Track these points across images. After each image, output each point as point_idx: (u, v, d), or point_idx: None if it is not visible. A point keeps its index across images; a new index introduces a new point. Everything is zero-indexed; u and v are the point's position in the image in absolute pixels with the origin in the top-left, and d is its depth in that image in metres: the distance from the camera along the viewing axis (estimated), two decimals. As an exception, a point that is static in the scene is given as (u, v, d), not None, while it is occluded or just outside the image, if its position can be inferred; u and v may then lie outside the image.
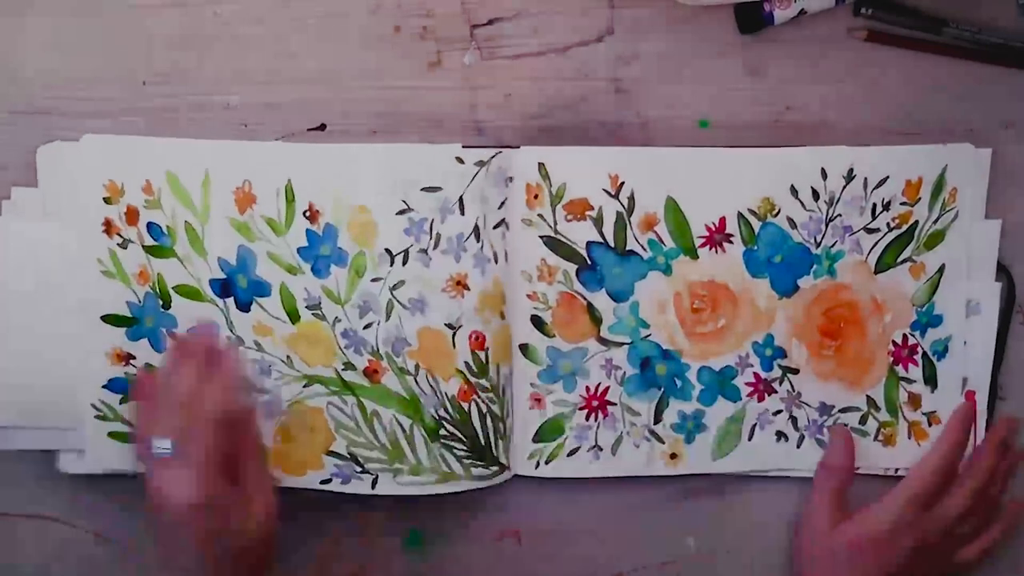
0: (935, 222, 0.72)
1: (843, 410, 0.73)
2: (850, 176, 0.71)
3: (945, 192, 0.71)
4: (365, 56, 0.71)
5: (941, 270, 0.72)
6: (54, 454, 0.72)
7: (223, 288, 0.71)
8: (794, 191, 0.71)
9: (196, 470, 0.62)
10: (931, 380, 0.73)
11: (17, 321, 0.70)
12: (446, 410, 0.71)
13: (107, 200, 0.70)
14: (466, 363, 0.71)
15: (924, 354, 0.73)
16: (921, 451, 0.73)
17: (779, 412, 0.73)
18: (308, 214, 0.70)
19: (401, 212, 0.70)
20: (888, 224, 0.72)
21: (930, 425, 0.73)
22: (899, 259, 0.72)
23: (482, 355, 0.71)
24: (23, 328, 0.70)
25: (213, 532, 0.62)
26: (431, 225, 0.70)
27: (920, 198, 0.71)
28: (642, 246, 0.71)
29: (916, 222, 0.72)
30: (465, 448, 0.71)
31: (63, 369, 0.71)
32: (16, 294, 0.70)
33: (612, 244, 0.71)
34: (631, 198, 0.70)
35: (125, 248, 0.70)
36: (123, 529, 0.75)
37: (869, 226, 0.72)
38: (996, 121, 0.72)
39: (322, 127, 0.72)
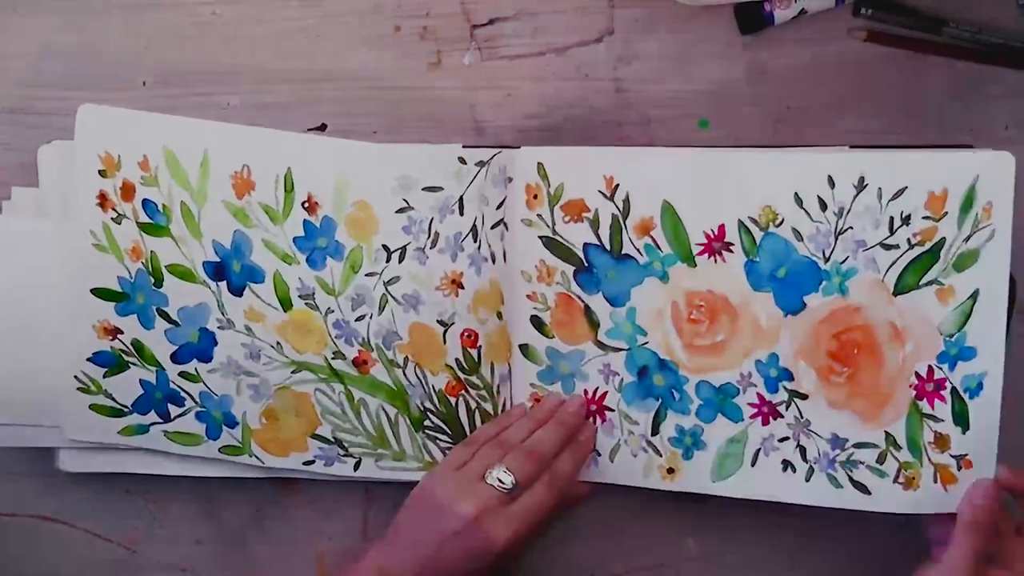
0: (966, 240, 0.64)
1: (857, 445, 0.67)
2: (861, 185, 0.65)
3: (977, 207, 0.64)
4: (365, 56, 0.72)
5: (975, 296, 0.64)
6: (54, 453, 0.72)
7: (216, 271, 0.71)
8: (799, 200, 0.66)
9: (523, 521, 0.65)
10: (962, 420, 0.65)
11: (16, 321, 0.70)
12: (432, 403, 0.71)
13: (103, 173, 0.70)
14: (456, 360, 0.71)
15: (954, 390, 0.66)
16: (948, 496, 0.66)
17: (785, 439, 0.69)
18: (307, 205, 0.70)
19: (401, 210, 0.70)
20: (909, 240, 0.65)
21: (960, 469, 0.66)
22: (923, 280, 0.65)
23: (474, 353, 0.71)
24: (22, 328, 0.70)
25: (468, 560, 0.64)
26: (430, 224, 0.70)
27: (947, 212, 0.64)
28: (638, 250, 0.69)
29: (943, 239, 0.64)
30: (449, 439, 0.72)
31: (61, 367, 0.71)
32: (15, 295, 0.70)
33: (608, 247, 0.69)
34: (626, 201, 0.68)
35: (119, 223, 0.70)
36: (123, 529, 0.75)
37: (886, 241, 0.65)
38: (996, 121, 0.72)
39: (322, 127, 0.72)
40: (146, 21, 0.71)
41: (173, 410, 0.72)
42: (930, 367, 0.66)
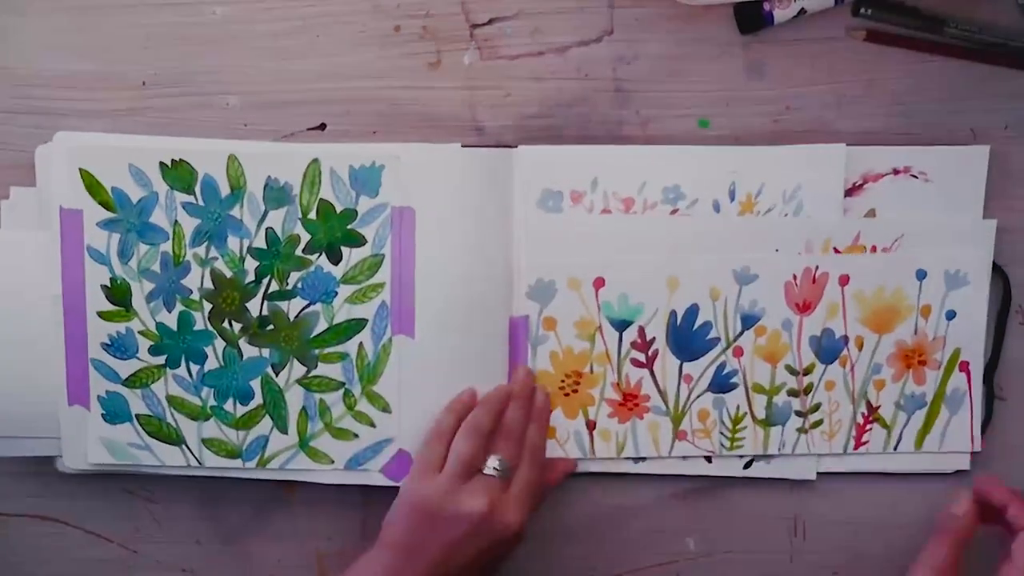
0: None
1: None
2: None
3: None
4: (365, 56, 0.71)
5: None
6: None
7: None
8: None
9: (527, 501, 0.68)
10: None
11: (14, 333, 0.70)
12: None
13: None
14: None
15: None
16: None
17: None
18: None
19: None
20: None
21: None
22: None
23: None
24: (20, 338, 0.70)
25: (484, 553, 0.66)
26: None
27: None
28: None
29: None
30: None
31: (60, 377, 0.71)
32: (12, 304, 0.70)
33: None
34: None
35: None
36: (123, 529, 0.75)
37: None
38: (996, 121, 0.72)
39: (322, 127, 0.72)
40: (146, 21, 0.71)
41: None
42: None
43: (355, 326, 0.71)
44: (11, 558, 0.75)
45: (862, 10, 0.71)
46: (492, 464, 0.67)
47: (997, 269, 0.73)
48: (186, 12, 0.71)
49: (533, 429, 0.71)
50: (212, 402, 0.71)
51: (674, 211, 0.71)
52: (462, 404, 0.71)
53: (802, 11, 0.70)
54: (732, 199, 0.71)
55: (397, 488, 0.70)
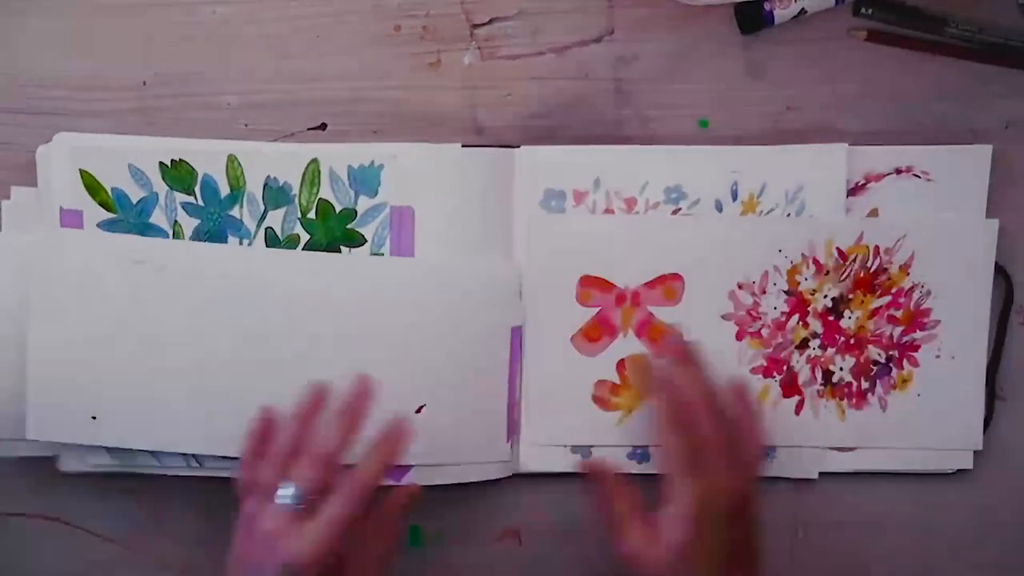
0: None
1: None
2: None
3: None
4: (365, 56, 0.71)
5: None
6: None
7: None
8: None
9: (325, 529, 0.60)
10: None
11: (14, 333, 0.70)
12: None
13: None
14: None
15: None
16: None
17: None
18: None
19: None
20: None
21: None
22: None
23: None
24: (20, 338, 0.70)
25: None
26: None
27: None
28: None
29: None
30: None
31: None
32: (12, 304, 0.70)
33: None
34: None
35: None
36: (123, 529, 0.75)
37: None
38: (996, 121, 0.72)
39: (322, 127, 0.72)
40: (146, 21, 0.71)
41: None
42: None
43: None
44: (11, 558, 0.75)
45: (863, 10, 0.71)
46: (280, 492, 0.62)
47: (999, 269, 0.73)
48: (186, 12, 0.71)
49: (369, 460, 0.63)
50: None
51: (676, 211, 0.71)
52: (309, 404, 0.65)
53: (802, 11, 0.70)
54: (734, 199, 0.71)
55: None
